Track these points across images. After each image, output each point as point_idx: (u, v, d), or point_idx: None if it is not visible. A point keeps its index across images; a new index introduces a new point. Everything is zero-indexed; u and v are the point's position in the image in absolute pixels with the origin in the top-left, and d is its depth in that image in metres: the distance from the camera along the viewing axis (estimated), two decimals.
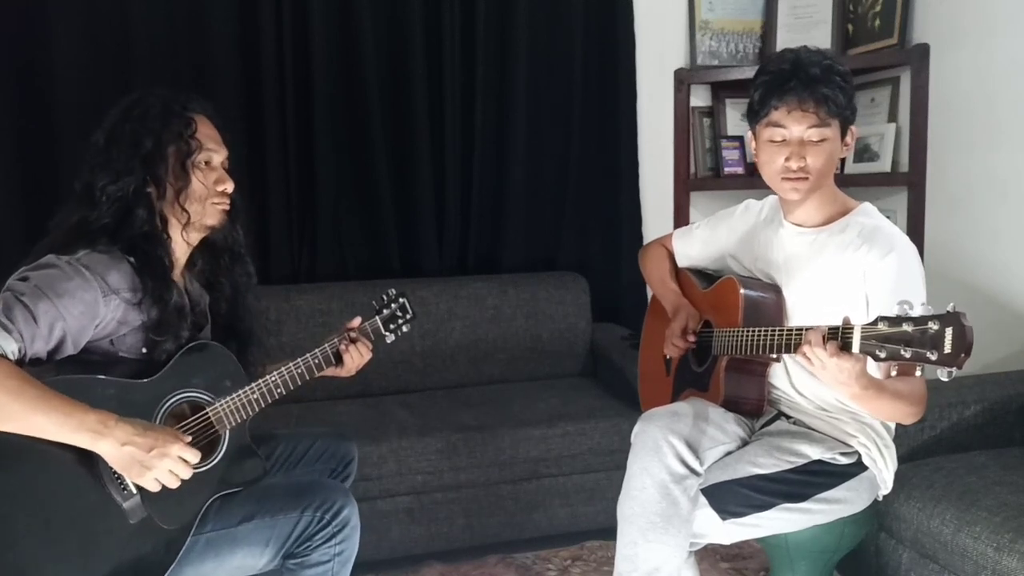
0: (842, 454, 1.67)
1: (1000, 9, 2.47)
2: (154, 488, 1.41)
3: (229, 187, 1.59)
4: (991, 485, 1.79)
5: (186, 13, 2.68)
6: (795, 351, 1.49)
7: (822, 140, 1.63)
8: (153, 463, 1.38)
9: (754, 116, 1.70)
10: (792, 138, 1.63)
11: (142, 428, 1.39)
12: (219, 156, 1.59)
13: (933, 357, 1.25)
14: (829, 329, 1.41)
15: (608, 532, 1.72)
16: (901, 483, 1.81)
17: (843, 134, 1.66)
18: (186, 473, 1.43)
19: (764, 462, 1.63)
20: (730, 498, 1.61)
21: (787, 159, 1.63)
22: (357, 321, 1.78)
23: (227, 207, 1.60)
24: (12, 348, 1.33)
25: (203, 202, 1.56)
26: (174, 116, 1.53)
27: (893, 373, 1.32)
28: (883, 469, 1.69)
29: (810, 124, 1.62)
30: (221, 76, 2.72)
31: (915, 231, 2.76)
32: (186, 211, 1.54)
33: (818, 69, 1.61)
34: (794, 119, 1.62)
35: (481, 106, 2.98)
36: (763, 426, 1.79)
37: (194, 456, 1.44)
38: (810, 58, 1.63)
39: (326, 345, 1.71)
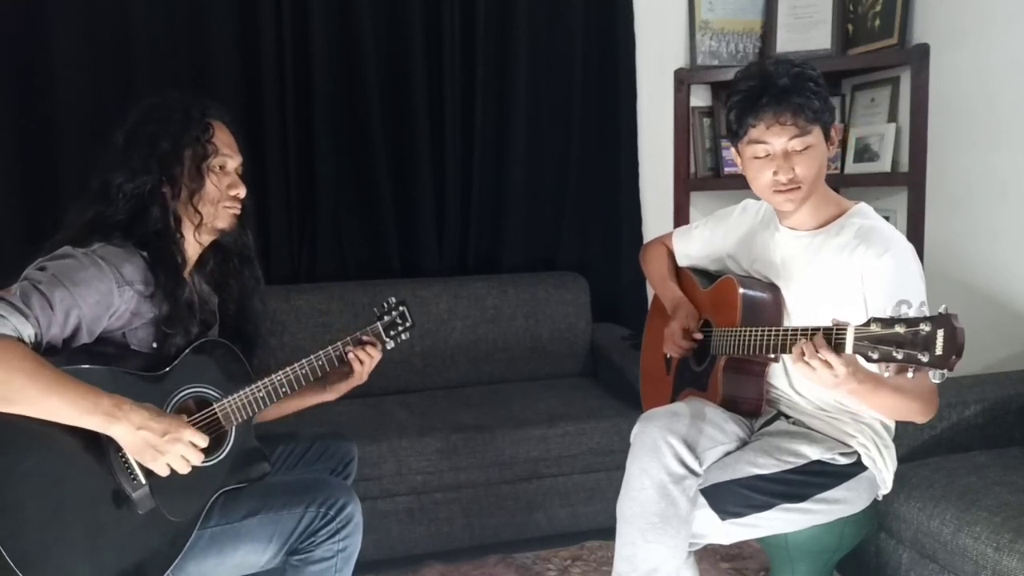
0: (841, 454, 1.67)
1: (1000, 9, 2.47)
2: (165, 472, 1.43)
3: (241, 192, 1.63)
4: (991, 485, 1.79)
5: (186, 13, 2.68)
6: (792, 352, 1.49)
7: (806, 148, 1.62)
8: (166, 447, 1.41)
9: (734, 136, 1.69)
10: (776, 151, 1.63)
11: (155, 413, 1.42)
12: (233, 162, 1.63)
13: (924, 359, 1.25)
14: (823, 330, 1.41)
15: (608, 532, 1.72)
16: (901, 483, 1.81)
17: (827, 136, 1.66)
18: (197, 458, 1.45)
19: (763, 462, 1.63)
20: (729, 498, 1.61)
21: (775, 172, 1.63)
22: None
23: (238, 211, 1.64)
24: (29, 332, 1.35)
25: (215, 205, 1.59)
26: (193, 120, 1.57)
27: (886, 374, 1.32)
28: (883, 469, 1.69)
29: (791, 135, 1.61)
30: (221, 76, 2.72)
31: (915, 231, 2.77)
32: (199, 213, 1.58)
33: (787, 79, 1.60)
34: (773, 133, 1.61)
35: (481, 106, 2.98)
36: (762, 426, 1.79)
37: (203, 441, 1.46)
38: (778, 69, 1.62)
39: (330, 348, 1.73)
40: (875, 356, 1.32)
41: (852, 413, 1.70)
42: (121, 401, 1.38)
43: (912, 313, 1.29)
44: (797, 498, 1.63)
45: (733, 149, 1.75)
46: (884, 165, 2.86)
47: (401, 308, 1.85)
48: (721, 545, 2.07)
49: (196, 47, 2.71)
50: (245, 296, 1.75)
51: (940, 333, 1.24)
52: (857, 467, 1.68)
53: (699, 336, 1.89)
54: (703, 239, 2.03)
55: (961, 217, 2.65)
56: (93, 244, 1.48)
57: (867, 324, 1.34)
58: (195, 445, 1.45)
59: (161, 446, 1.40)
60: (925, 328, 1.26)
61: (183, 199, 1.56)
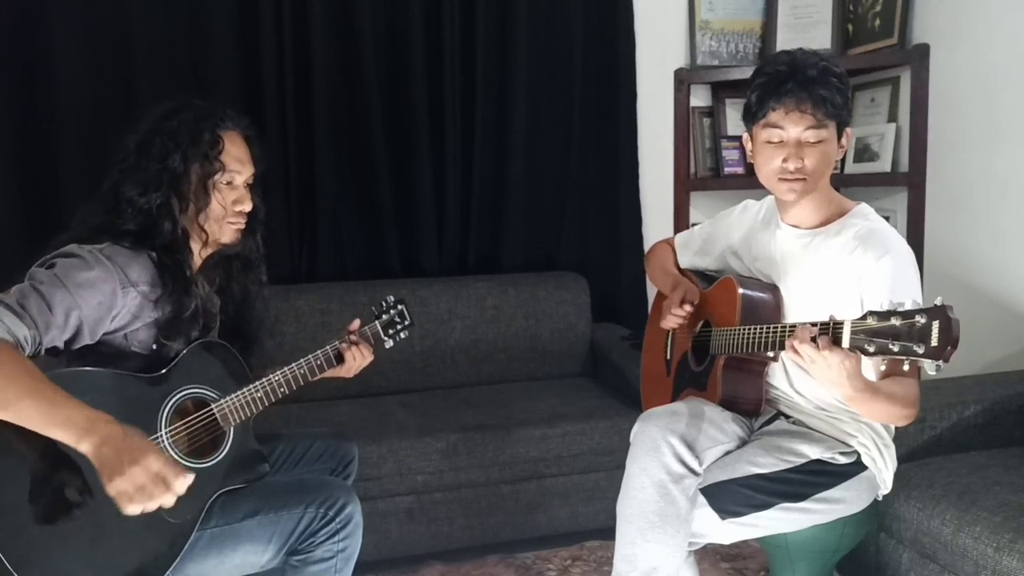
0: (841, 454, 1.67)
1: (1000, 9, 2.47)
2: (124, 505, 1.28)
3: (247, 207, 1.61)
4: (991, 485, 1.79)
5: (186, 13, 2.68)
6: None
7: (819, 141, 1.63)
8: (122, 468, 1.27)
9: (751, 117, 1.70)
10: (789, 139, 1.64)
11: (129, 434, 1.31)
12: (242, 176, 1.61)
13: (920, 350, 1.26)
14: (820, 325, 1.41)
15: (608, 532, 1.72)
16: (901, 483, 1.81)
17: (839, 136, 1.67)
18: (165, 497, 1.30)
19: (763, 461, 1.63)
20: (729, 498, 1.61)
21: (784, 160, 1.64)
22: (356, 324, 1.79)
23: (242, 226, 1.63)
24: (25, 334, 1.34)
25: (219, 222, 1.59)
26: (204, 133, 1.55)
27: (882, 368, 1.33)
28: (883, 469, 1.69)
29: (808, 125, 1.62)
30: (221, 76, 2.72)
31: (915, 231, 2.77)
32: (204, 231, 1.58)
33: (815, 70, 1.61)
34: (792, 120, 1.62)
35: (481, 106, 2.98)
36: (762, 426, 1.79)
37: (177, 479, 1.31)
38: (807, 60, 1.63)
39: (328, 347, 1.74)
40: (872, 349, 1.32)
41: (852, 413, 1.70)
42: (98, 417, 1.30)
43: (907, 308, 1.29)
44: (797, 497, 1.63)
45: (746, 133, 1.75)
46: (884, 165, 2.86)
47: (400, 307, 1.85)
48: (721, 545, 2.06)
49: (196, 47, 2.71)
50: (246, 299, 1.75)
51: (935, 324, 1.25)
52: (857, 467, 1.68)
53: (689, 308, 1.87)
54: (704, 240, 2.03)
55: (961, 217, 2.65)
56: (102, 243, 1.48)
57: (863, 317, 1.34)
58: (165, 481, 1.29)
59: (117, 466, 1.26)
60: (920, 320, 1.26)
61: (190, 214, 1.56)
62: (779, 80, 1.63)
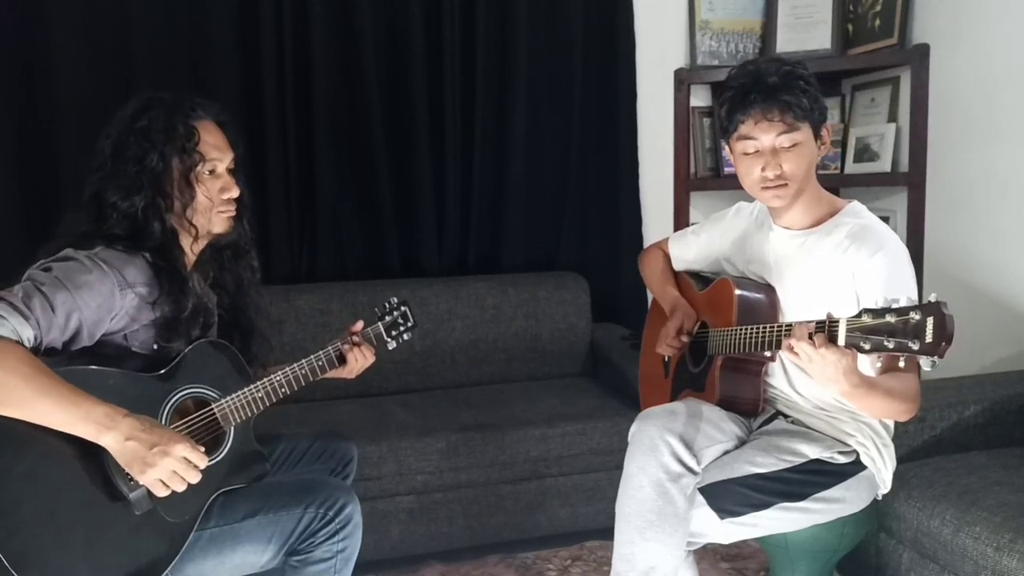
0: (840, 453, 1.67)
1: (1000, 9, 2.47)
2: (159, 491, 1.41)
3: (234, 193, 1.60)
4: (991, 485, 1.79)
5: (186, 13, 2.68)
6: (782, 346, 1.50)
7: (794, 145, 1.64)
8: (155, 460, 1.38)
9: (724, 132, 1.72)
10: (764, 148, 1.65)
11: (149, 425, 1.40)
12: (224, 163, 1.60)
13: (915, 347, 1.26)
14: (816, 323, 1.41)
15: (608, 532, 1.72)
16: (901, 483, 1.81)
17: (816, 134, 1.67)
18: (193, 476, 1.42)
19: (762, 461, 1.63)
20: (728, 497, 1.61)
21: (763, 169, 1.65)
22: (359, 325, 1.79)
23: (233, 214, 1.62)
24: (28, 334, 1.35)
25: (208, 213, 1.58)
26: (178, 127, 1.53)
27: (878, 364, 1.33)
28: (882, 468, 1.70)
29: (778, 132, 1.63)
30: (221, 76, 2.72)
31: (915, 231, 2.77)
32: (193, 226, 1.57)
33: (776, 77, 1.62)
34: (761, 129, 1.63)
35: (481, 106, 2.98)
36: (761, 425, 1.79)
37: (200, 460, 1.43)
38: (769, 68, 1.65)
39: (330, 347, 1.74)
40: (867, 347, 1.33)
41: (851, 412, 1.70)
42: (115, 411, 1.37)
43: (902, 304, 1.30)
44: (796, 497, 1.63)
45: (726, 146, 1.76)
46: (884, 165, 2.86)
47: (403, 308, 1.85)
48: (721, 545, 2.07)
49: (196, 47, 2.71)
50: (240, 287, 1.74)
51: (930, 321, 1.25)
52: (856, 466, 1.68)
53: (685, 339, 1.89)
54: (699, 243, 2.04)
55: (961, 217, 2.64)
56: (95, 247, 1.47)
57: (859, 315, 1.35)
58: (190, 462, 1.41)
59: (149, 459, 1.37)
60: (915, 316, 1.27)
61: (176, 211, 1.55)
62: (743, 92, 1.65)
